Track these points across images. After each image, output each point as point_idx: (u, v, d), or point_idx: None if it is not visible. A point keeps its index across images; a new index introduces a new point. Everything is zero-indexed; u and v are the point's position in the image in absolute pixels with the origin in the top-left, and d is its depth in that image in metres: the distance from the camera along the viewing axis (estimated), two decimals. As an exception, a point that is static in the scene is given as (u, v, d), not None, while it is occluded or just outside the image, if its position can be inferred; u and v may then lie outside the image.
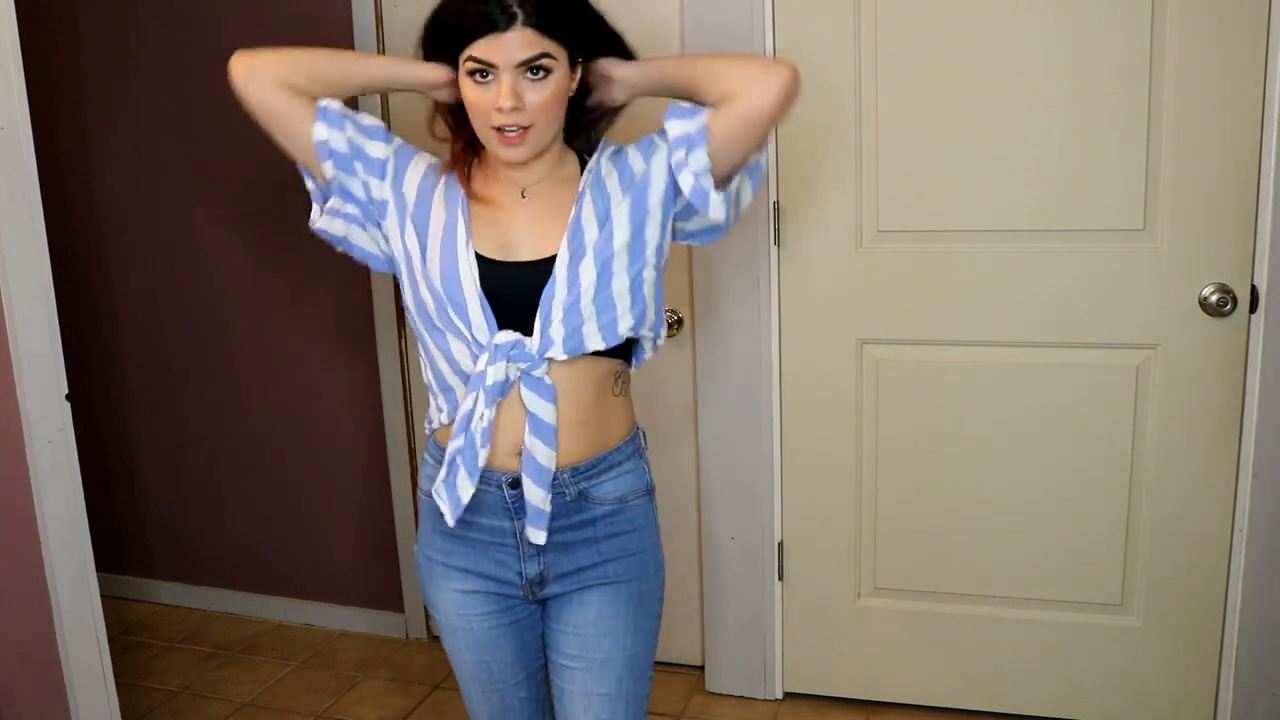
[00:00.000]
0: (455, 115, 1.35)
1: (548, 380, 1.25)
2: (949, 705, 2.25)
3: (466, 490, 1.28)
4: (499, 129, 1.22)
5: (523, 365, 1.24)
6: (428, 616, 2.69)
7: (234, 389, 2.75)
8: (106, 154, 2.74)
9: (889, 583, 2.23)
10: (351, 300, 2.57)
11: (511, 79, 1.20)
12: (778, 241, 2.14)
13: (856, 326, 2.13)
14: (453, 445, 1.29)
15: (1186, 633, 2.06)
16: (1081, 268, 1.98)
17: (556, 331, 1.24)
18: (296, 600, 2.81)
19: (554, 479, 1.28)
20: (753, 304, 2.16)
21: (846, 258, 2.11)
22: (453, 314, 1.26)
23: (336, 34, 2.41)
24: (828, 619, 2.28)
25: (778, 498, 2.25)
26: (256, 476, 2.78)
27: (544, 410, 1.26)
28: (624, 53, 1.34)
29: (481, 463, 1.27)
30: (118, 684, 1.93)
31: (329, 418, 2.68)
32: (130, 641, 2.73)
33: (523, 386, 1.25)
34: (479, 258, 1.26)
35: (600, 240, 1.26)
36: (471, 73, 1.22)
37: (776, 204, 2.12)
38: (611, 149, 1.35)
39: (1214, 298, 1.91)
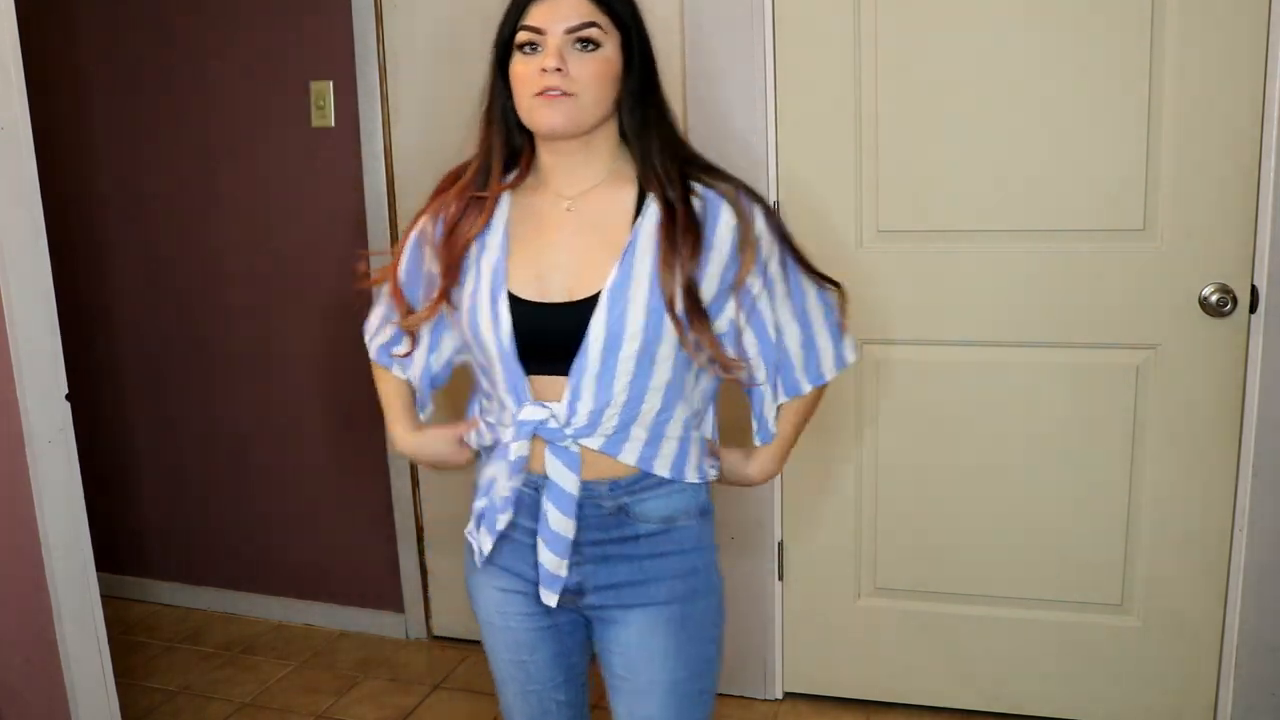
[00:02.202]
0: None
1: (574, 449, 1.18)
2: (949, 705, 2.25)
3: (487, 545, 1.28)
4: (541, 92, 1.14)
5: (549, 438, 1.19)
6: (428, 616, 2.69)
7: (234, 389, 2.75)
8: (107, 154, 2.74)
9: (889, 583, 2.23)
10: (353, 301, 2.56)
11: (559, 44, 1.14)
12: (778, 241, 2.14)
13: (856, 326, 2.11)
14: (478, 504, 1.28)
15: (1186, 633, 2.06)
16: (1081, 268, 1.98)
17: (585, 407, 1.17)
18: (296, 600, 2.81)
19: (589, 491, 1.21)
20: (753, 304, 2.16)
21: (846, 258, 2.11)
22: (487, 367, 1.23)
23: (335, 33, 2.41)
24: (828, 619, 2.28)
25: (778, 498, 2.25)
26: (256, 476, 2.78)
27: (566, 481, 1.19)
28: (654, 81, 1.24)
29: (502, 526, 1.25)
30: (118, 684, 1.92)
31: (329, 417, 2.67)
32: (130, 641, 2.73)
33: (548, 453, 1.19)
34: (513, 300, 1.18)
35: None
36: (521, 45, 1.16)
37: (776, 204, 2.12)
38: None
39: (1214, 298, 1.91)
